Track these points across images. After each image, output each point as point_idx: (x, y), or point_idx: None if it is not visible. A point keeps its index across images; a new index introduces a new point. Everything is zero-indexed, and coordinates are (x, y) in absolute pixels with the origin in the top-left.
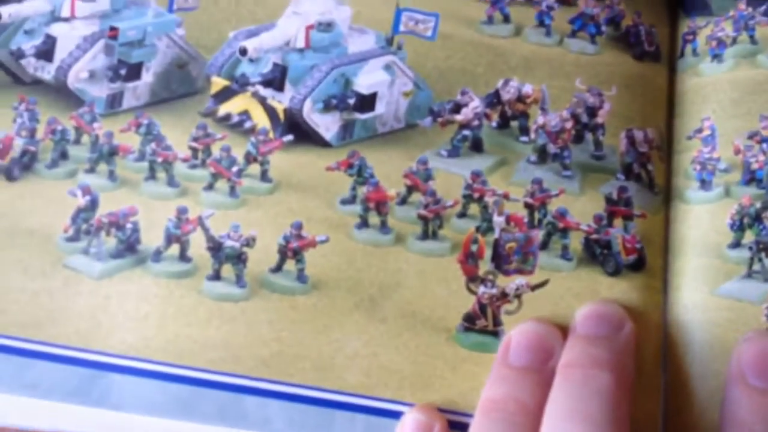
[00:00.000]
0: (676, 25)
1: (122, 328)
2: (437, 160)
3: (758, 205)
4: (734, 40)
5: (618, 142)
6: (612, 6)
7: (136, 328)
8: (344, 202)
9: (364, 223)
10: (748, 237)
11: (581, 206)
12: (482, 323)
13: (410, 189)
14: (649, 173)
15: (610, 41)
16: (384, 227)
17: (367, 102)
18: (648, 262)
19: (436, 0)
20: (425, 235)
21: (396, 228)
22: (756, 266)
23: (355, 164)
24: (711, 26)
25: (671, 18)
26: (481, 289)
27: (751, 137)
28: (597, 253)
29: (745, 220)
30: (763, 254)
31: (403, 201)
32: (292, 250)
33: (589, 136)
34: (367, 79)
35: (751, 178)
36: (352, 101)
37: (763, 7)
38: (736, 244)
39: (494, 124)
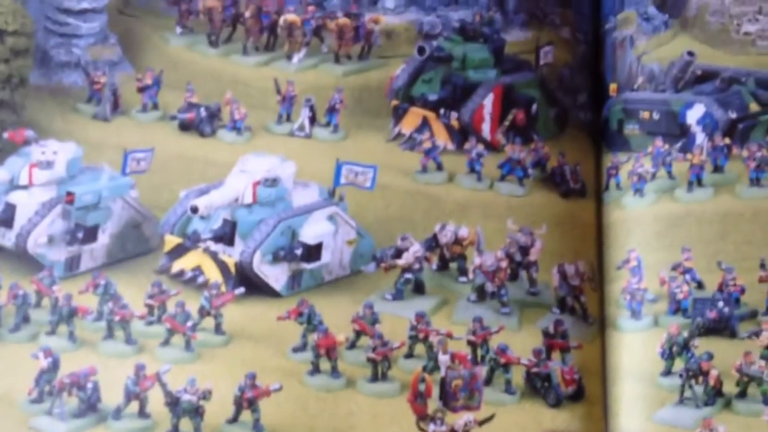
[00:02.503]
0: (600, 160)
1: None
2: (382, 304)
3: (685, 334)
4: (653, 176)
5: (551, 277)
6: (537, 149)
7: None
8: (296, 350)
9: (315, 369)
10: (679, 365)
11: (521, 341)
12: None
13: (358, 333)
14: (582, 305)
15: (538, 182)
16: (335, 372)
17: (313, 252)
18: (587, 391)
19: (373, 153)
20: (375, 378)
21: (347, 372)
22: (687, 393)
23: (305, 312)
24: (632, 162)
25: (595, 154)
26: (431, 427)
27: (674, 269)
28: (538, 386)
29: (674, 349)
30: (693, 381)
31: (353, 345)
32: (248, 400)
33: (523, 273)
34: (313, 230)
35: (677, 308)
36: (299, 252)
37: (679, 144)
38: (668, 372)
39: (434, 266)
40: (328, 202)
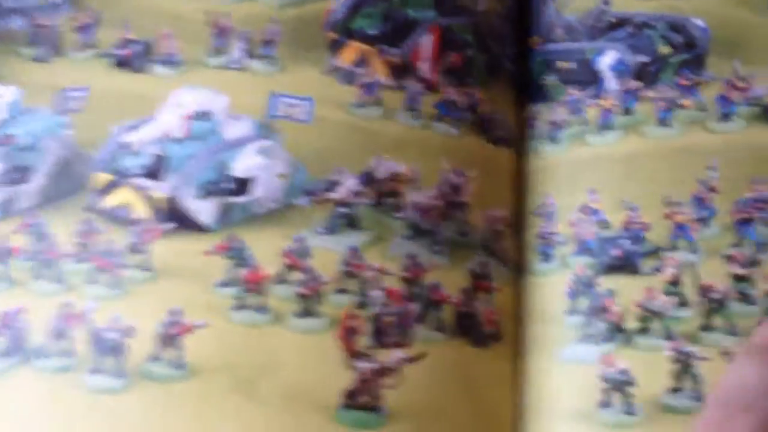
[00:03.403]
0: (523, 111)
1: (5, 429)
2: (315, 238)
3: (590, 272)
4: (568, 123)
5: (478, 220)
6: (471, 94)
7: (19, 429)
8: (222, 285)
9: (241, 305)
10: (583, 303)
11: (450, 280)
12: (363, 399)
13: (289, 268)
14: (502, 249)
15: (470, 126)
16: (261, 308)
17: (244, 186)
18: (506, 332)
19: (310, 86)
20: (304, 313)
21: (274, 308)
22: (589, 330)
23: (233, 247)
24: (549, 111)
25: (519, 105)
26: (362, 364)
27: (582, 210)
28: (464, 325)
29: (579, 288)
30: (595, 318)
31: (282, 280)
32: (170, 336)
33: (454, 213)
34: (244, 163)
35: (583, 248)
36: (229, 186)
37: (591, 90)
38: (573, 311)
39: (369, 201)
40: (262, 135)
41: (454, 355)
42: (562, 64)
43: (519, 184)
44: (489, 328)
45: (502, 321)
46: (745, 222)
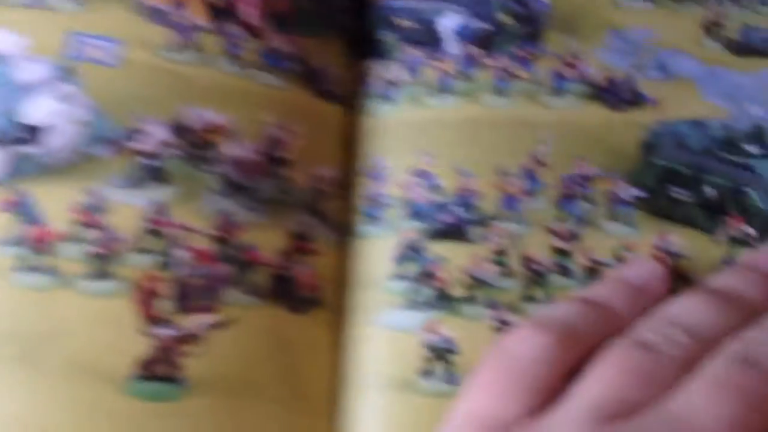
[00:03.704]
0: (356, 67)
1: None
2: (114, 192)
3: (419, 238)
4: (405, 83)
5: (302, 178)
6: (297, 44)
7: None
8: (4, 244)
9: (26, 267)
10: (411, 269)
11: (268, 241)
12: (161, 369)
13: (83, 225)
14: (329, 210)
15: (297, 78)
16: (49, 269)
17: (37, 135)
18: (326, 298)
19: (117, 26)
20: (97, 275)
21: (64, 270)
22: (414, 296)
23: (20, 202)
24: (385, 69)
25: (352, 60)
26: (159, 330)
27: (414, 174)
28: (282, 290)
29: (407, 253)
30: (421, 284)
31: (74, 239)
32: None
33: (275, 170)
34: (38, 110)
35: (413, 212)
36: (20, 135)
37: (430, 51)
38: (398, 276)
39: (179, 153)
40: (60, 79)
41: (267, 321)
42: (401, 22)
43: (349, 142)
44: (308, 292)
45: (324, 286)
46: (569, 197)
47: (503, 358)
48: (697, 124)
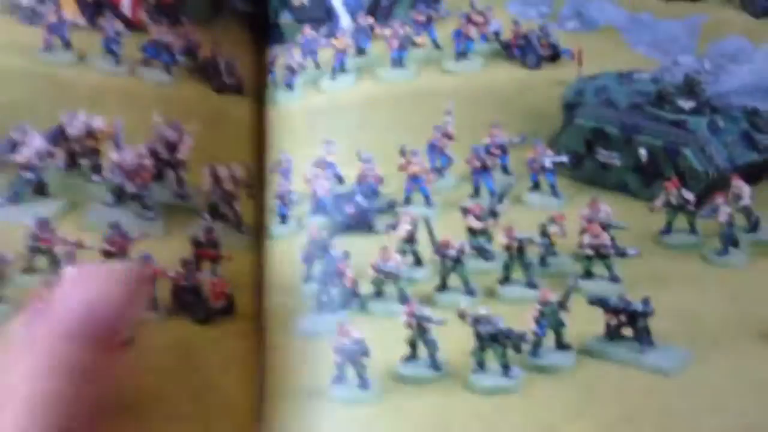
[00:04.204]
0: (262, 56)
1: None
2: None
3: (325, 234)
4: (302, 67)
5: (202, 179)
6: (187, 35)
7: None
8: None
9: None
10: (318, 269)
11: (167, 250)
12: None
13: None
14: (236, 212)
15: (188, 72)
16: None
17: None
18: (239, 305)
19: None
20: None
21: None
22: (324, 298)
23: None
24: (285, 54)
25: (257, 49)
26: None
27: (317, 165)
28: (186, 301)
29: (315, 252)
30: (330, 284)
31: None
32: None
33: (170, 174)
34: None
35: (318, 206)
36: None
37: (324, 30)
38: (308, 278)
39: (60, 163)
40: None
41: (172, 336)
42: (296, 1)
43: (260, 136)
44: (217, 301)
45: (236, 293)
46: (483, 170)
47: None
48: (624, 77)
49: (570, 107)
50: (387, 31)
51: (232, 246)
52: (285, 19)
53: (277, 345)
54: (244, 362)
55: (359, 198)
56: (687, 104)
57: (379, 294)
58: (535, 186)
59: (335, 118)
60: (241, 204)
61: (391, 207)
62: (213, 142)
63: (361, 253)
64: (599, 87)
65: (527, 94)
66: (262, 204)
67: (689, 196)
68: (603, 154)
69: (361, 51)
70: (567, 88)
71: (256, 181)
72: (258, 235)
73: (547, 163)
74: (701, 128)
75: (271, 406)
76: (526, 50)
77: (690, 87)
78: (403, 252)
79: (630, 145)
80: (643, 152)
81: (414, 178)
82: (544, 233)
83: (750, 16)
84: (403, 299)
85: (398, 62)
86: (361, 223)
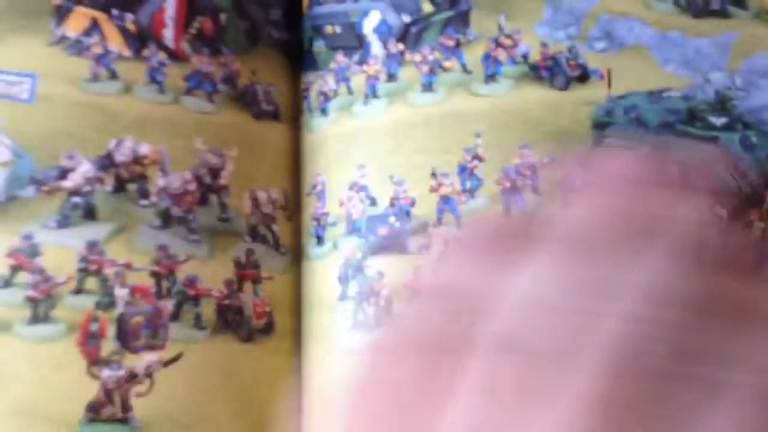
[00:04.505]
0: (297, 83)
1: None
2: (45, 233)
3: (359, 255)
4: (335, 93)
5: (243, 203)
6: (226, 64)
7: None
8: None
9: None
10: (354, 288)
11: (211, 271)
12: (109, 411)
13: (15, 269)
14: (274, 234)
15: (228, 100)
16: None
17: None
18: (277, 324)
19: (32, 59)
20: (36, 319)
21: (1, 315)
22: (360, 316)
23: None
24: (319, 81)
25: (291, 75)
26: (106, 372)
27: (350, 188)
28: (230, 320)
29: (349, 271)
30: (365, 304)
31: (6, 284)
32: None
33: (213, 198)
34: None
35: (353, 228)
36: None
37: (356, 57)
38: (344, 296)
39: (109, 188)
40: None
41: (217, 354)
42: (329, 29)
43: (296, 161)
44: (259, 320)
45: (275, 312)
46: (513, 191)
47: None
48: (654, 96)
49: (600, 127)
50: (417, 57)
51: (272, 267)
52: (318, 46)
53: (315, 362)
54: (283, 378)
55: (392, 219)
56: (719, 121)
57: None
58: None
59: (368, 142)
60: (279, 226)
61: (423, 228)
62: (252, 167)
63: (395, 273)
64: (629, 106)
65: (556, 115)
66: (299, 226)
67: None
68: None
69: (392, 77)
70: (596, 108)
71: (293, 204)
72: (296, 255)
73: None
74: (733, 143)
75: (312, 421)
76: (554, 71)
77: (721, 103)
78: None
79: None
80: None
81: (445, 200)
82: None
83: None
84: None
85: (428, 87)
86: (394, 244)
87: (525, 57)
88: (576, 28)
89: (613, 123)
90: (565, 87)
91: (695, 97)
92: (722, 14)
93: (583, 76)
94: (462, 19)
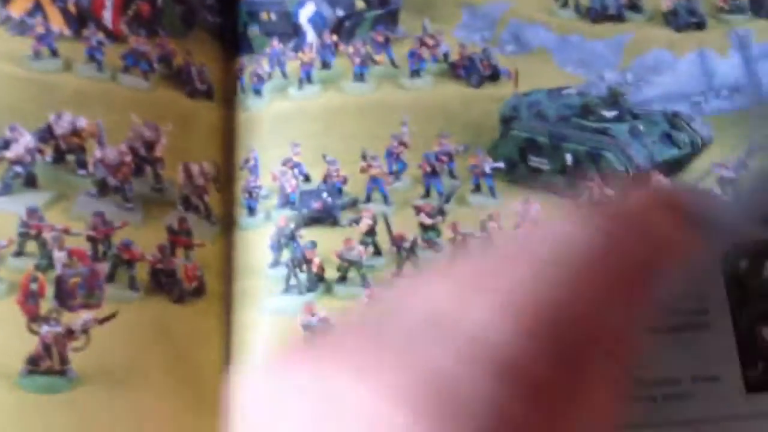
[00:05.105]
0: (231, 64)
1: None
2: None
3: (292, 225)
4: (270, 76)
5: (176, 175)
6: (162, 45)
7: None
8: None
9: None
10: (286, 255)
11: (144, 237)
12: (47, 364)
13: None
14: (206, 204)
15: (163, 79)
16: None
17: None
18: (208, 288)
19: None
20: None
21: None
22: (292, 281)
23: None
24: (253, 64)
25: (225, 58)
26: (45, 328)
27: (284, 164)
28: (163, 282)
29: (282, 240)
30: (297, 269)
31: None
32: None
33: (148, 169)
34: None
35: (286, 201)
36: None
37: (292, 43)
38: (276, 263)
39: (49, 158)
40: None
41: (150, 313)
42: (264, 15)
43: (228, 137)
44: (190, 284)
45: (206, 276)
46: (432, 174)
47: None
48: (554, 93)
49: (506, 120)
50: (350, 49)
51: (203, 235)
52: (253, 31)
53: (246, 322)
54: (213, 338)
55: (325, 194)
56: (610, 113)
57: (343, 279)
58: (477, 188)
59: (302, 122)
60: (210, 197)
61: (353, 204)
62: (186, 142)
63: (327, 243)
64: (532, 102)
65: (470, 109)
66: (230, 197)
67: (610, 192)
68: (534, 161)
69: (326, 65)
70: (504, 104)
71: (225, 177)
72: (227, 225)
73: (487, 168)
74: (622, 133)
75: (236, 377)
76: (470, 70)
77: (613, 98)
78: (364, 243)
79: (558, 152)
80: (569, 157)
81: (374, 180)
82: (483, 228)
83: (673, 30)
84: (365, 283)
85: (360, 77)
86: (326, 217)
87: (445, 56)
88: (489, 32)
89: (518, 117)
90: (479, 85)
91: (590, 93)
92: (618, 18)
93: (495, 76)
94: (391, 18)
